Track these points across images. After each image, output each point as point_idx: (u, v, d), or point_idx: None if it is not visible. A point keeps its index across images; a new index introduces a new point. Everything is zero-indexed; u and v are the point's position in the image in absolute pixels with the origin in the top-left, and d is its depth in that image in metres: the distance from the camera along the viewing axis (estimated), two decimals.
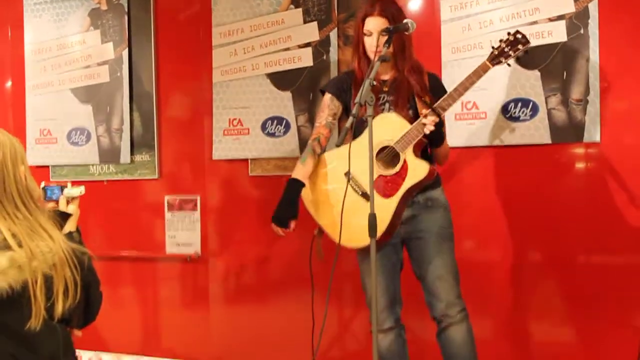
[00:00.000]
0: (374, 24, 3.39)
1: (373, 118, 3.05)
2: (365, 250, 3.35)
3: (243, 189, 4.76)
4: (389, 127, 3.37)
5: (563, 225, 3.98)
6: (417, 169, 3.34)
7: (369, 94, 2.96)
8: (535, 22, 3.99)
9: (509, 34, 3.34)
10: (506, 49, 3.31)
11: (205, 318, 4.91)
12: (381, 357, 3.52)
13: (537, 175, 4.02)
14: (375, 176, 3.27)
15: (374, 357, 3.01)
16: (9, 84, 5.47)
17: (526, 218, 4.07)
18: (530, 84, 3.99)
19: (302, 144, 4.53)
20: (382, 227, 3.28)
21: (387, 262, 3.49)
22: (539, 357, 4.05)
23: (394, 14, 3.40)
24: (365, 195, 3.36)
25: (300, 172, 3.55)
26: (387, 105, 3.46)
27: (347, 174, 3.40)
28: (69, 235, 2.42)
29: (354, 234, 3.32)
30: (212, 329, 4.89)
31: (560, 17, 3.94)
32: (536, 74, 3.98)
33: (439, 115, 3.28)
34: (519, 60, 3.47)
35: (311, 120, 4.52)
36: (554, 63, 3.95)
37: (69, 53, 5.24)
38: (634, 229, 3.83)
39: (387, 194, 3.36)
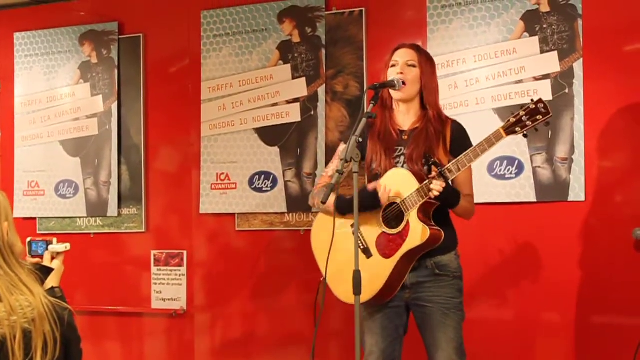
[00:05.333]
0: (402, 54, 3.28)
1: (386, 171, 3.11)
2: (367, 308, 3.26)
3: (230, 243, 4.75)
4: (399, 183, 3.16)
5: (548, 284, 3.97)
6: (415, 233, 3.11)
7: (355, 151, 2.93)
8: (520, 81, 4.04)
9: (531, 100, 3.01)
10: (524, 118, 2.99)
11: None
12: None
13: (522, 233, 4.02)
14: (378, 232, 3.20)
15: None
16: None
17: (510, 276, 4.07)
18: (516, 142, 4.02)
19: (289, 199, 4.55)
20: (376, 287, 3.14)
21: (389, 324, 3.27)
22: None
23: (425, 52, 3.35)
24: (366, 251, 3.21)
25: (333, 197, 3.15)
26: (402, 158, 3.25)
27: (353, 225, 3.09)
28: (51, 291, 2.40)
29: (349, 289, 3.03)
30: None
31: (545, 77, 3.99)
32: None
33: (446, 180, 3.06)
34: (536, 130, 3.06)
35: (298, 175, 4.53)
36: None
37: (58, 105, 5.26)
38: (619, 288, 3.84)
39: (386, 254, 3.17)
